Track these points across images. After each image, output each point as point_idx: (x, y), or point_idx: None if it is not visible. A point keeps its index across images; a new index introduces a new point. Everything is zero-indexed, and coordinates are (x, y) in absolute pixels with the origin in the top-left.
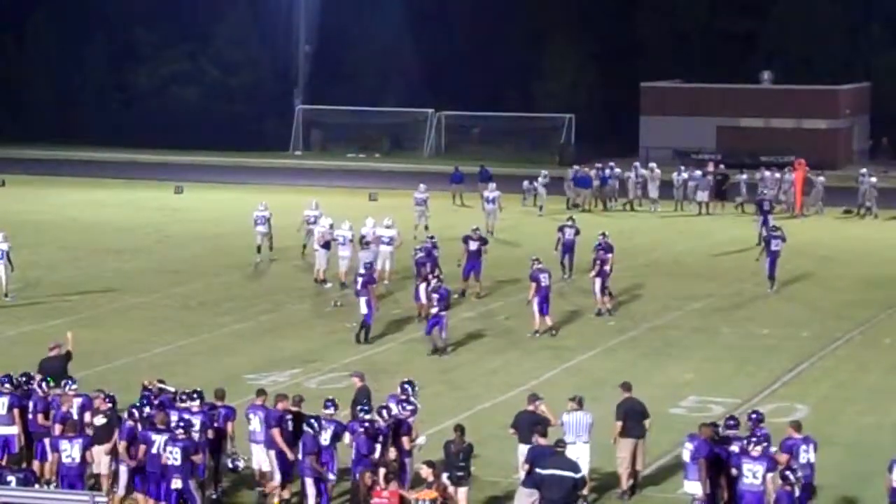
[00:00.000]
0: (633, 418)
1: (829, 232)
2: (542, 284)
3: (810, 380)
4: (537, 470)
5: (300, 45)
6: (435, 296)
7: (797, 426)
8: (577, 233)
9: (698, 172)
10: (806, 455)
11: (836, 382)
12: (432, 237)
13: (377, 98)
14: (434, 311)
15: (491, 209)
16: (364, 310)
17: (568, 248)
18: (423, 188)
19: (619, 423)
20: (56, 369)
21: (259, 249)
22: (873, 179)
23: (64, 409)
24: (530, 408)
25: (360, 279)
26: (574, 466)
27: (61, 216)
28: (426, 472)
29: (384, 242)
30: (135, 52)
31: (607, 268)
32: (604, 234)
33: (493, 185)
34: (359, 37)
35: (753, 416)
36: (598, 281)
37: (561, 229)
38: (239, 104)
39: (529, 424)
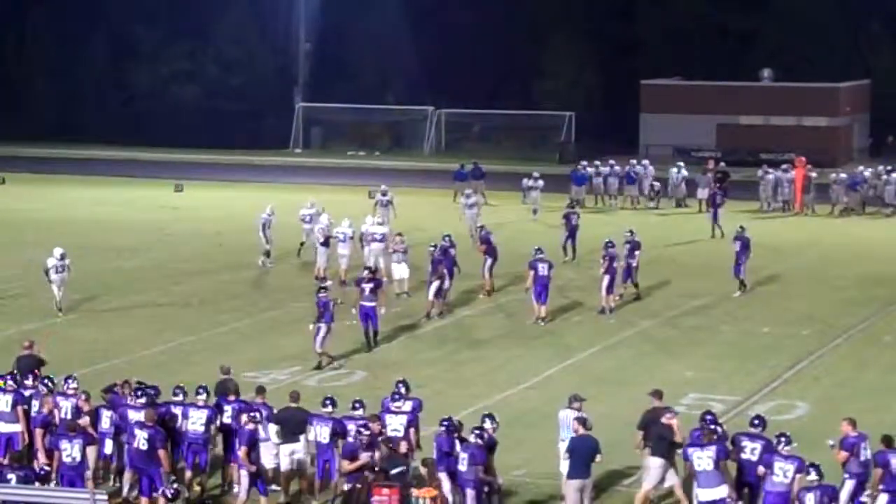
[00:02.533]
0: (655, 429)
1: (829, 230)
2: (540, 274)
3: (810, 378)
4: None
5: (300, 42)
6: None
7: (853, 423)
8: (579, 217)
9: (685, 171)
10: (864, 453)
11: (837, 380)
12: (449, 236)
13: (377, 96)
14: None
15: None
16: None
17: (571, 233)
18: (384, 189)
19: (640, 433)
20: (31, 367)
21: (268, 253)
22: (868, 173)
23: (45, 411)
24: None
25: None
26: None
27: (61, 214)
28: (423, 470)
29: (376, 240)
30: (135, 51)
31: (616, 265)
32: (631, 232)
33: (473, 184)
34: (359, 35)
35: (708, 416)
36: (606, 278)
37: (566, 216)
38: (239, 102)
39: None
